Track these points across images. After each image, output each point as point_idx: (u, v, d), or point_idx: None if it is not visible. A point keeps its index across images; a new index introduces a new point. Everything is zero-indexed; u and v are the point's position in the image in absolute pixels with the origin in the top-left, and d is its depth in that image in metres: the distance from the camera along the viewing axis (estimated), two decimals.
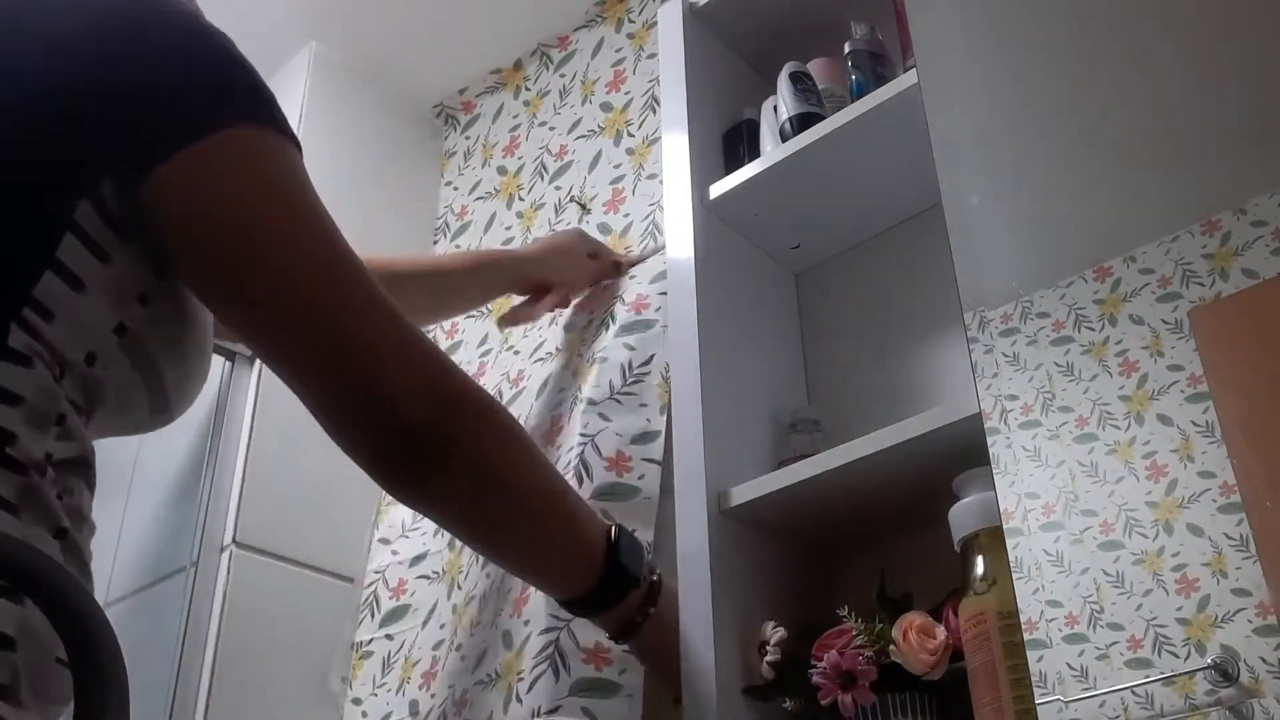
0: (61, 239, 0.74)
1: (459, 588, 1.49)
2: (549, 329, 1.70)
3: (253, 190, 0.81)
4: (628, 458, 1.33)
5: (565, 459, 1.35)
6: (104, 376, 0.77)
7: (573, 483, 1.30)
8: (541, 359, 1.62)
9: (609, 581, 1.01)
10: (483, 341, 1.88)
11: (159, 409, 0.85)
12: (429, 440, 0.84)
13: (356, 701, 1.58)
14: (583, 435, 1.35)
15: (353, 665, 1.62)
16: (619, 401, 1.38)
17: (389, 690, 1.53)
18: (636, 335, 1.44)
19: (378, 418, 0.82)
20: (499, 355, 1.77)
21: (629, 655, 1.17)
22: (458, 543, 1.55)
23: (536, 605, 1.24)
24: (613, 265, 1.57)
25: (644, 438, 1.36)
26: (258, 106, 0.84)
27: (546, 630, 1.20)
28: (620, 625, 1.07)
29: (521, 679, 1.20)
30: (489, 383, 1.68)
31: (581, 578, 1.01)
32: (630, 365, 1.41)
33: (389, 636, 1.59)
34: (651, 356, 1.42)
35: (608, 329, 1.47)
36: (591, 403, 1.38)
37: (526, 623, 1.25)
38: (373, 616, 1.64)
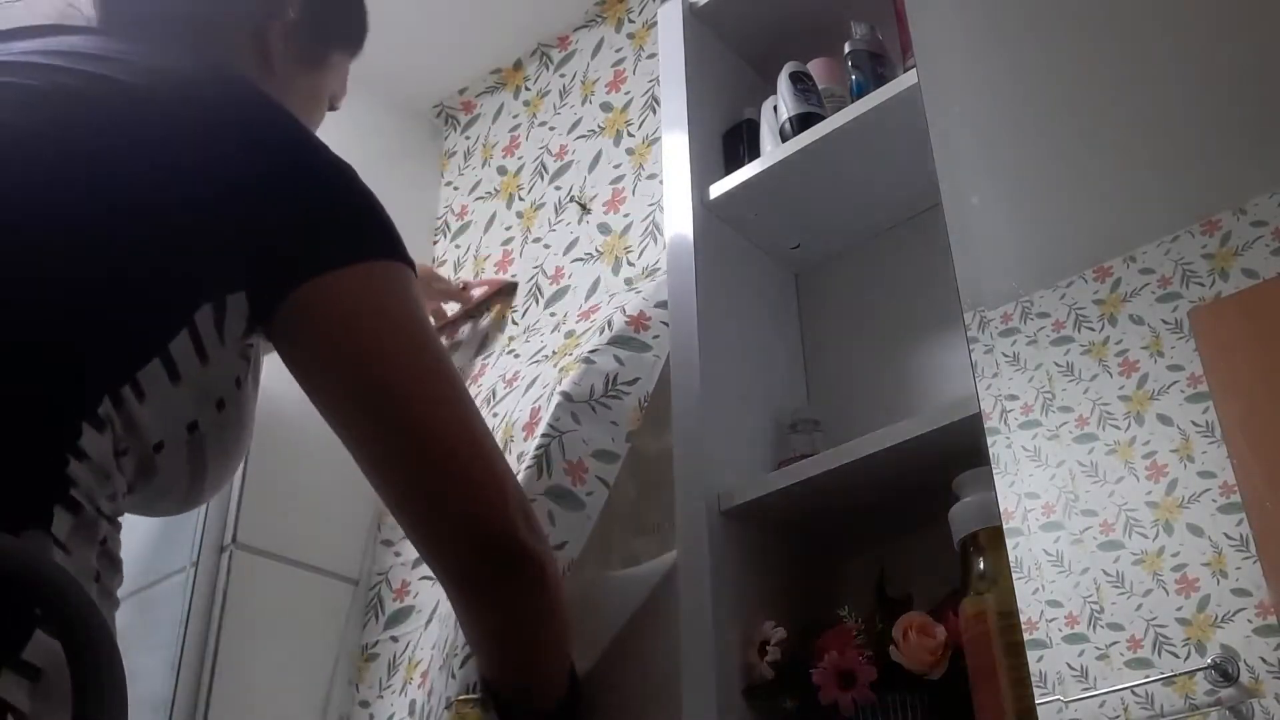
0: (178, 334, 0.80)
1: None
2: (550, 335, 1.71)
3: (386, 321, 0.89)
4: (586, 469, 1.34)
5: (529, 446, 1.35)
6: (161, 464, 0.82)
7: (530, 473, 1.31)
8: (538, 360, 1.62)
9: (570, 697, 1.08)
10: (483, 343, 1.88)
11: (189, 501, 0.90)
12: (520, 553, 0.92)
13: (364, 704, 1.58)
14: (552, 428, 1.35)
15: (358, 668, 1.62)
16: (594, 410, 1.38)
17: (394, 692, 1.54)
18: (628, 352, 1.44)
19: (478, 530, 0.91)
20: (499, 358, 1.77)
21: None
22: None
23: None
24: (459, 288, 1.77)
25: (604, 456, 1.36)
26: (390, 240, 0.92)
27: None
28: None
29: (457, 655, 1.21)
30: (486, 383, 1.68)
31: (558, 691, 1.07)
32: (615, 379, 1.41)
33: (394, 638, 1.60)
34: (636, 380, 1.42)
35: (602, 334, 1.47)
36: (569, 399, 1.38)
37: None
38: (377, 619, 1.64)
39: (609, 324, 1.48)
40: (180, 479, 0.85)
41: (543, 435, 1.34)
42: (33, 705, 0.63)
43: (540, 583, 0.95)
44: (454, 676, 1.21)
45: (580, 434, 1.35)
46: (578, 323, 1.63)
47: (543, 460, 1.32)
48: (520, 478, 1.32)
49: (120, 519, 0.80)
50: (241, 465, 1.63)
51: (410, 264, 0.93)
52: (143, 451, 0.79)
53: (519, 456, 1.43)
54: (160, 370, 0.78)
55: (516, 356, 1.71)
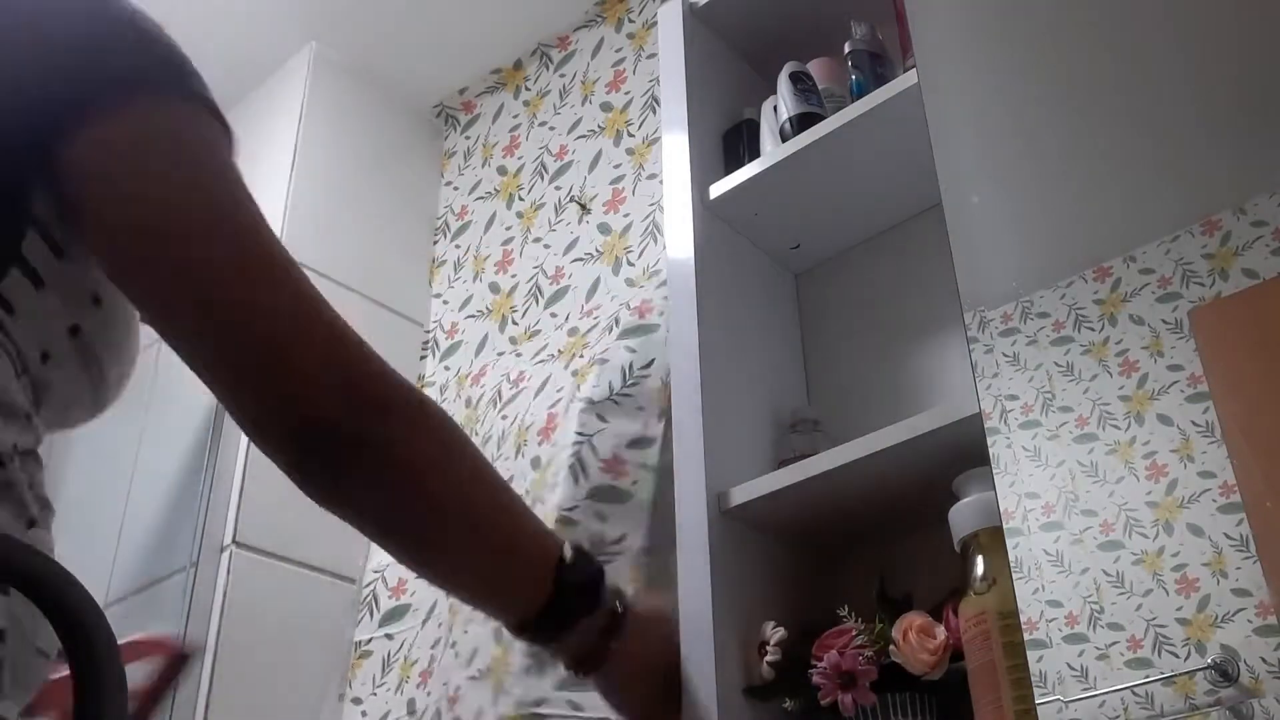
0: (25, 234, 0.73)
1: None
2: (554, 333, 1.71)
3: (170, 169, 0.76)
4: (624, 461, 1.34)
5: (560, 457, 1.36)
6: (54, 376, 0.76)
7: (568, 482, 1.30)
8: (543, 360, 1.62)
9: (555, 607, 0.91)
10: (483, 343, 1.88)
11: (98, 405, 0.82)
12: (339, 439, 0.78)
13: (356, 701, 1.58)
14: (580, 434, 1.36)
15: (351, 665, 1.62)
16: (617, 403, 1.39)
17: (388, 690, 1.53)
18: (639, 339, 1.45)
19: (284, 413, 0.77)
20: (502, 356, 1.77)
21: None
22: None
23: None
24: None
25: (640, 443, 1.36)
26: (181, 78, 0.79)
27: None
28: (577, 656, 0.96)
29: (510, 671, 1.21)
30: (490, 383, 1.68)
31: (525, 600, 0.91)
32: (631, 367, 1.42)
33: (389, 636, 1.60)
34: (652, 360, 1.42)
35: (610, 332, 1.48)
36: (590, 402, 1.38)
37: None
38: (371, 616, 1.64)
39: (616, 321, 1.48)
40: (80, 388, 0.78)
41: (573, 443, 1.34)
42: None
43: (389, 464, 0.79)
44: (507, 693, 1.20)
45: (609, 430, 1.36)
46: (581, 320, 1.63)
47: (576, 468, 1.33)
48: (559, 492, 1.32)
49: (40, 451, 0.75)
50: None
51: (215, 112, 0.78)
52: (32, 368, 0.73)
53: (533, 461, 1.43)
54: (20, 278, 0.71)
55: (519, 355, 1.72)
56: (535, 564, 0.91)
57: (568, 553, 0.92)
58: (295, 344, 0.77)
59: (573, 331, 1.62)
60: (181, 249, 0.75)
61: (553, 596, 0.90)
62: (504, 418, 1.57)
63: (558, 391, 1.49)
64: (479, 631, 1.34)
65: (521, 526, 0.92)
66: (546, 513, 1.33)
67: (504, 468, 1.49)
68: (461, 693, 1.31)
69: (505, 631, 1.24)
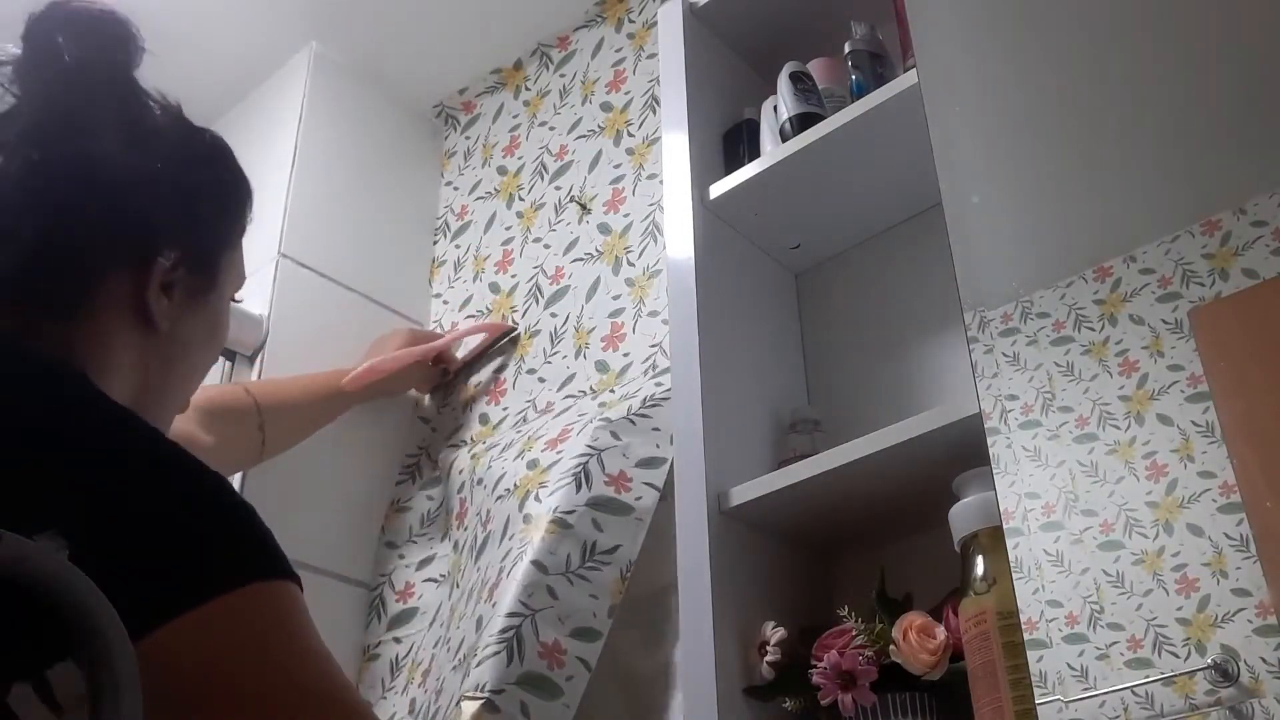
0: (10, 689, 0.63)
1: (457, 586, 1.50)
2: (554, 332, 1.71)
3: (271, 659, 0.73)
4: (629, 478, 1.37)
5: (564, 464, 1.37)
6: None
7: (569, 489, 1.33)
8: (574, 396, 1.64)
9: None
10: (501, 369, 1.88)
11: None
12: None
13: None
14: (590, 448, 1.38)
15: (359, 668, 1.62)
16: (633, 423, 1.42)
17: (397, 693, 1.54)
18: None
19: None
20: (518, 379, 1.77)
21: (580, 661, 1.21)
22: (461, 544, 1.55)
23: (507, 590, 1.27)
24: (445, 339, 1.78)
25: (650, 462, 1.40)
26: (267, 557, 0.78)
27: (511, 614, 1.24)
28: None
29: (475, 654, 1.22)
30: (513, 407, 1.70)
31: None
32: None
33: (397, 639, 1.60)
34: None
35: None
36: (608, 420, 1.42)
37: (494, 605, 1.29)
38: (379, 619, 1.64)
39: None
40: None
41: (579, 455, 1.37)
42: None
43: None
44: (469, 675, 1.22)
45: (619, 448, 1.38)
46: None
47: (580, 477, 1.36)
48: (558, 496, 1.33)
49: None
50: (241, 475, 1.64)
51: (295, 578, 0.77)
52: None
53: (530, 463, 1.44)
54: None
55: (542, 381, 1.72)
56: None
57: None
58: None
59: (601, 366, 1.63)
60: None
61: None
62: (518, 432, 1.59)
63: (580, 415, 1.50)
64: (465, 625, 1.35)
65: None
66: (541, 513, 1.34)
67: (500, 467, 1.51)
68: (443, 684, 1.32)
69: (484, 620, 1.26)
